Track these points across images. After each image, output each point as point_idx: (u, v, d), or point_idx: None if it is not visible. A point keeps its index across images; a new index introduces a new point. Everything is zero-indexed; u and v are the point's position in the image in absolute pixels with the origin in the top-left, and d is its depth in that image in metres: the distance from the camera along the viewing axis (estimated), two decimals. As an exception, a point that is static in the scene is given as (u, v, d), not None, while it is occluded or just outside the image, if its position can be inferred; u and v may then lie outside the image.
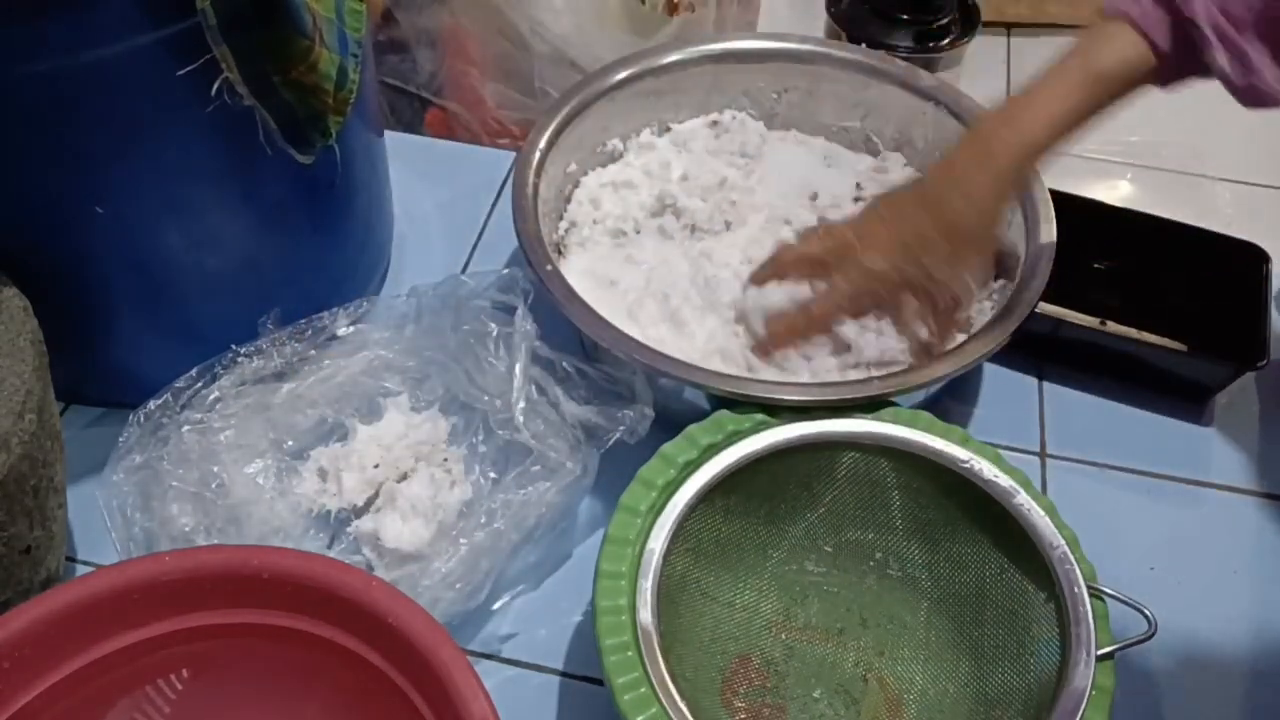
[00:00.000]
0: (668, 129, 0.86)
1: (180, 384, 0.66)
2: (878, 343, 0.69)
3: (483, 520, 0.62)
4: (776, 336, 0.70)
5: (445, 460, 0.68)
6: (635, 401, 0.66)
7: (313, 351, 0.69)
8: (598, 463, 0.65)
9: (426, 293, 0.71)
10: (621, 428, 0.65)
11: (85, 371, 0.71)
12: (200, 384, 0.66)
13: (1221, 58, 0.60)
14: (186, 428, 0.65)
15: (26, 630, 0.47)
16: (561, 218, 0.82)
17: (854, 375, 0.69)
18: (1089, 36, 0.63)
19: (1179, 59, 0.61)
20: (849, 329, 0.69)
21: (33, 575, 0.57)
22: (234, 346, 0.67)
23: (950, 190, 0.66)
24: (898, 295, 0.68)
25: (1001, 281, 0.74)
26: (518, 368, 0.66)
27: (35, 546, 0.56)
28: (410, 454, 0.67)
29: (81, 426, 0.73)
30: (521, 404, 0.65)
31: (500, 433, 0.67)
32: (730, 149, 0.85)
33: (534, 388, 0.66)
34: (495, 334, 0.68)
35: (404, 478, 0.67)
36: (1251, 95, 0.61)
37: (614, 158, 0.85)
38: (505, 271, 0.69)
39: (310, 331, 0.69)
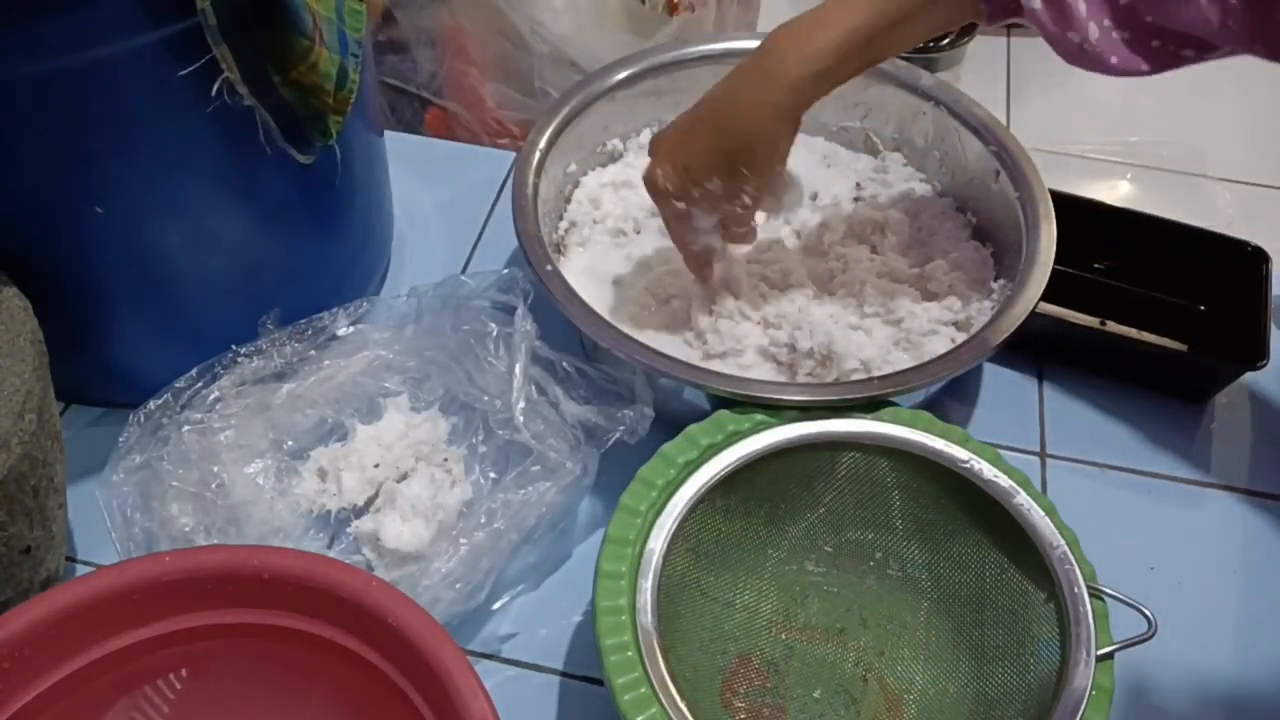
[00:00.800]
0: (667, 129, 0.86)
1: (180, 384, 0.66)
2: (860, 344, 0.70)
3: (483, 520, 0.62)
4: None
5: (445, 460, 0.68)
6: (635, 401, 0.66)
7: (313, 352, 0.69)
8: (598, 463, 0.65)
9: (426, 293, 0.71)
10: (621, 428, 0.65)
11: (85, 371, 0.71)
12: (200, 384, 0.66)
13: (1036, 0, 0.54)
14: (186, 428, 0.65)
15: (26, 630, 0.47)
16: (561, 218, 0.82)
17: (856, 376, 0.69)
18: None
19: None
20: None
21: (33, 575, 0.57)
22: (234, 346, 0.67)
23: (732, 112, 0.61)
24: (688, 209, 0.66)
25: (1002, 281, 0.74)
26: (518, 368, 0.66)
27: (35, 546, 0.56)
28: (410, 454, 0.67)
29: (81, 426, 0.73)
30: (521, 404, 0.65)
31: (500, 433, 0.67)
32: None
33: (534, 388, 0.66)
34: (495, 334, 0.68)
35: (404, 477, 0.67)
36: (1070, 51, 0.55)
37: (614, 158, 0.85)
38: (505, 272, 0.70)
39: (310, 332, 0.69)
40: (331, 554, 0.65)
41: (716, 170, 0.63)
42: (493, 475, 0.68)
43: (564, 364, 0.68)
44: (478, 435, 0.69)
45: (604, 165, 0.85)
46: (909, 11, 0.57)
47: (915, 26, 0.58)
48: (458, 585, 0.59)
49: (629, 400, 0.66)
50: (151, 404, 0.65)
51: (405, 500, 0.64)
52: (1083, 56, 0.55)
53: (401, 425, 0.68)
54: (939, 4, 0.57)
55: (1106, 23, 0.54)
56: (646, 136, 0.85)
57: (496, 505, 0.62)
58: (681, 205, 0.66)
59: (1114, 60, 0.54)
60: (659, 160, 0.65)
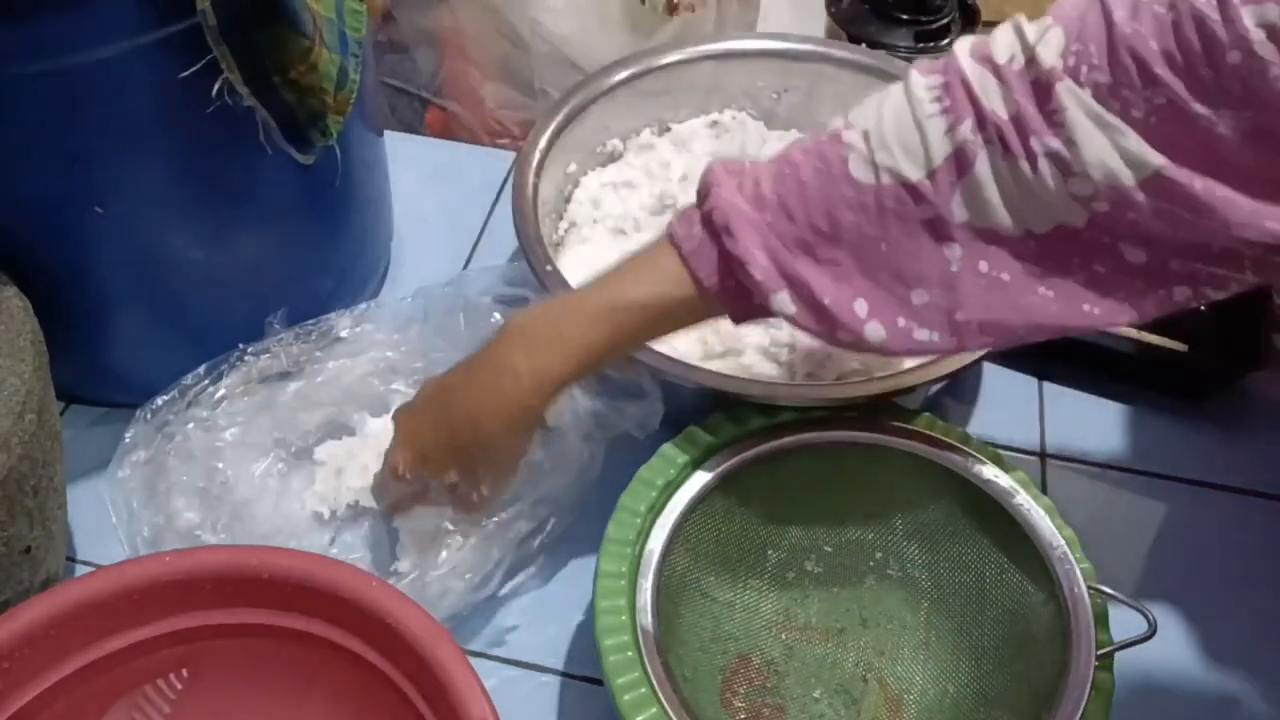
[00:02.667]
0: (668, 129, 0.86)
1: (188, 381, 0.66)
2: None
3: (501, 513, 0.62)
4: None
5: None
6: (645, 396, 0.66)
7: (319, 352, 0.69)
8: (603, 454, 0.65)
9: (433, 292, 0.71)
10: (630, 422, 0.65)
11: (85, 371, 0.71)
12: (207, 381, 0.66)
13: (787, 301, 0.51)
14: (192, 425, 0.65)
15: (26, 630, 0.47)
16: (561, 218, 0.82)
17: (856, 377, 0.69)
18: (637, 257, 0.56)
19: (735, 299, 0.53)
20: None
21: (33, 575, 0.57)
22: (241, 345, 0.68)
23: (465, 419, 0.57)
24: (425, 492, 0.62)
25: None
26: None
27: (35, 546, 0.56)
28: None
29: (82, 426, 0.73)
30: None
31: None
32: (730, 149, 0.85)
33: None
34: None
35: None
36: (850, 346, 0.53)
37: (614, 158, 0.85)
38: (513, 264, 0.69)
39: (316, 333, 0.69)
40: (332, 554, 0.65)
41: (454, 465, 0.59)
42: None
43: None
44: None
45: (604, 165, 0.85)
46: (641, 329, 0.56)
47: (652, 336, 0.57)
48: (467, 575, 0.60)
49: (639, 396, 0.66)
50: (159, 400, 0.65)
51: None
52: (869, 347, 0.53)
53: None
54: (676, 317, 0.55)
55: (901, 321, 0.52)
56: (646, 136, 0.85)
57: (507, 495, 0.63)
58: (415, 488, 0.61)
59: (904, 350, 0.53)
60: (400, 445, 0.60)
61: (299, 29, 0.58)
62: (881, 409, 0.64)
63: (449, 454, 0.59)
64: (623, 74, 0.82)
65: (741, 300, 0.53)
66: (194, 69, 0.55)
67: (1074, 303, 0.50)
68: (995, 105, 0.48)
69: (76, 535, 0.68)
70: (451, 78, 1.08)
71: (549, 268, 0.69)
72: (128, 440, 0.63)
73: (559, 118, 0.78)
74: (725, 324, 0.71)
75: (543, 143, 0.77)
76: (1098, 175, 0.46)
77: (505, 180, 0.92)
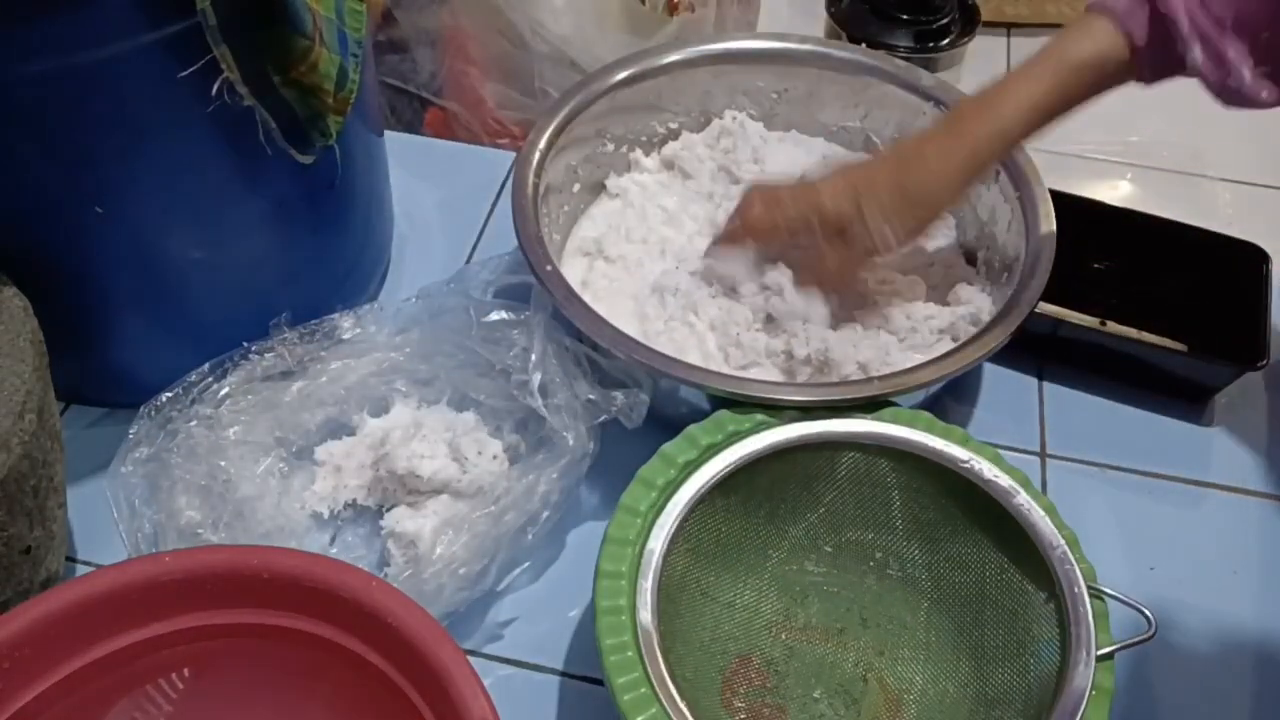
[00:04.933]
0: (668, 129, 0.86)
1: (192, 378, 0.66)
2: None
3: (491, 506, 0.62)
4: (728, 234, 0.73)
5: (452, 449, 0.68)
6: (632, 386, 0.66)
7: (323, 352, 0.69)
8: (599, 444, 0.65)
9: (435, 290, 0.71)
10: (618, 409, 0.65)
11: (85, 371, 0.71)
12: (210, 379, 0.67)
13: (1198, 56, 0.60)
14: (194, 423, 0.65)
15: (26, 630, 0.47)
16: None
17: (855, 377, 0.69)
18: (1069, 29, 0.64)
19: (1157, 55, 0.62)
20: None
21: (33, 575, 0.57)
22: (245, 344, 0.68)
23: (918, 160, 0.68)
24: (828, 234, 0.69)
25: (1002, 282, 0.74)
26: (537, 338, 0.66)
27: (35, 546, 0.56)
28: (417, 447, 0.67)
29: (82, 426, 0.73)
30: (539, 375, 0.65)
31: (511, 417, 0.67)
32: (730, 149, 0.85)
33: (552, 362, 0.66)
34: (508, 318, 0.68)
35: (411, 471, 0.67)
36: (1229, 94, 0.61)
37: (614, 159, 0.85)
38: (514, 252, 0.69)
39: (320, 333, 0.69)
40: (332, 553, 0.65)
41: (878, 198, 0.67)
42: (498, 458, 0.68)
43: (573, 347, 0.68)
44: (483, 425, 0.69)
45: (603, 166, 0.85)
46: (1081, 87, 0.64)
47: (1085, 96, 0.65)
48: (461, 571, 0.60)
49: (626, 385, 0.66)
50: (163, 397, 0.65)
51: (412, 490, 0.65)
52: (1241, 98, 0.61)
53: (409, 419, 0.68)
54: (1108, 76, 0.63)
55: (1251, 62, 0.60)
56: (647, 137, 0.85)
57: (501, 490, 0.63)
58: (830, 213, 0.69)
59: (1264, 95, 0.60)
60: (823, 186, 0.69)
61: (299, 29, 0.58)
62: (881, 409, 0.64)
63: (876, 185, 0.67)
64: (623, 74, 0.82)
65: (1164, 56, 0.61)
66: (194, 69, 0.55)
67: None
68: None
69: (77, 535, 0.68)
70: (451, 78, 1.08)
71: (549, 267, 0.69)
72: (131, 437, 0.63)
73: (559, 118, 0.78)
74: (748, 336, 0.71)
75: (543, 143, 0.77)
76: None
77: (505, 180, 0.92)
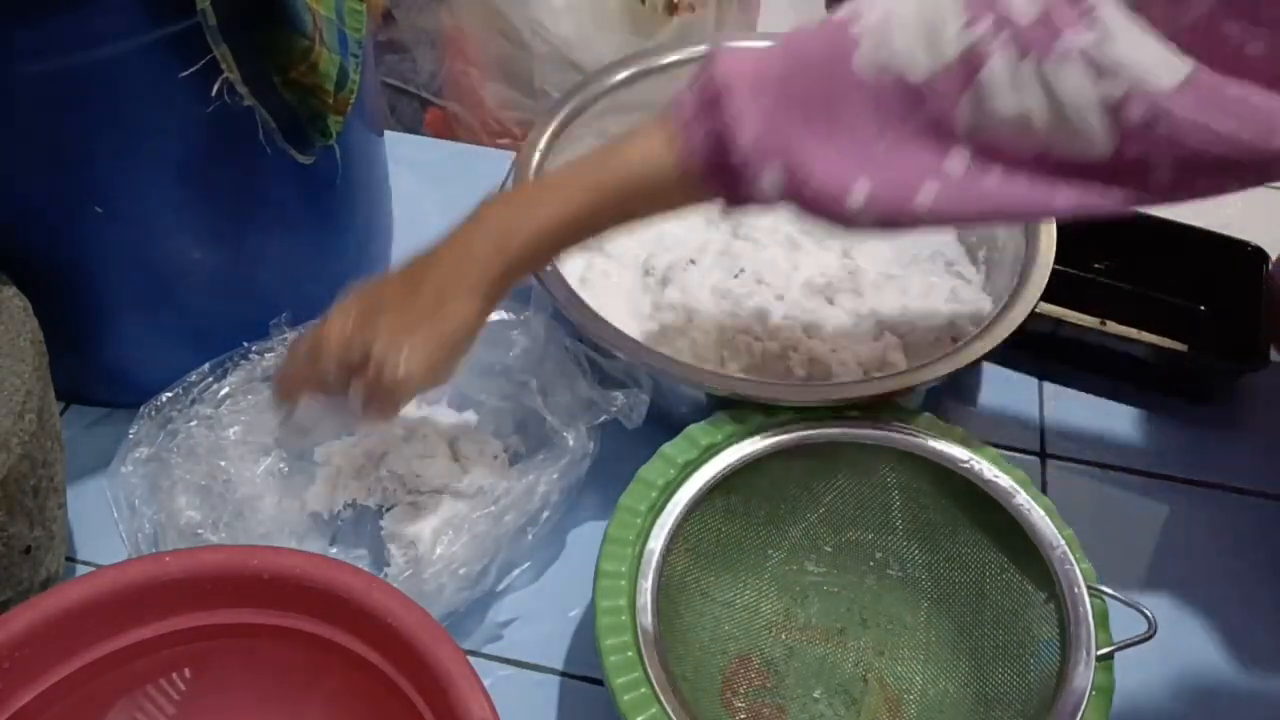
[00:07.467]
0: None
1: (192, 378, 0.66)
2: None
3: (491, 507, 0.62)
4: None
5: (452, 449, 0.68)
6: (633, 386, 0.66)
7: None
8: (599, 443, 0.65)
9: None
10: (618, 409, 0.65)
11: (85, 371, 0.71)
12: (211, 379, 0.66)
13: (771, 176, 0.48)
14: (195, 422, 0.65)
15: (26, 630, 0.47)
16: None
17: (855, 377, 0.69)
18: (630, 132, 0.54)
19: (725, 179, 0.50)
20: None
21: (33, 575, 0.57)
22: (245, 344, 0.68)
23: (427, 277, 0.55)
24: (345, 368, 0.56)
25: (1002, 282, 0.74)
26: (535, 342, 0.66)
27: (35, 546, 0.56)
28: (417, 447, 0.67)
29: (81, 426, 0.73)
30: (538, 378, 0.65)
31: (511, 417, 0.67)
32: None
33: (553, 361, 0.66)
34: (508, 318, 0.68)
35: (411, 471, 0.67)
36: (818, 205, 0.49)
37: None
38: None
39: None
40: (332, 554, 0.65)
41: (397, 322, 0.55)
42: (498, 458, 0.68)
43: (572, 346, 0.68)
44: (484, 424, 0.69)
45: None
46: (626, 200, 0.53)
47: (640, 209, 0.54)
48: (462, 571, 0.60)
49: (626, 385, 0.66)
50: (163, 397, 0.65)
51: (413, 491, 0.65)
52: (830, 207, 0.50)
53: (409, 419, 0.68)
54: (659, 189, 0.52)
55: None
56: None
57: (501, 490, 0.63)
58: (338, 346, 0.56)
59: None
60: (346, 304, 0.57)
61: (299, 29, 0.58)
62: (881, 409, 0.64)
63: (400, 309, 0.55)
64: (623, 74, 0.81)
65: (725, 174, 0.50)
66: (194, 69, 0.55)
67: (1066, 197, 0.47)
68: (1021, 5, 0.44)
69: (77, 535, 0.68)
70: (451, 78, 1.08)
71: (549, 267, 0.69)
72: (131, 437, 0.63)
73: (559, 118, 0.78)
74: (727, 323, 0.71)
75: (543, 143, 0.77)
76: (1133, 73, 0.43)
77: (505, 180, 0.91)
